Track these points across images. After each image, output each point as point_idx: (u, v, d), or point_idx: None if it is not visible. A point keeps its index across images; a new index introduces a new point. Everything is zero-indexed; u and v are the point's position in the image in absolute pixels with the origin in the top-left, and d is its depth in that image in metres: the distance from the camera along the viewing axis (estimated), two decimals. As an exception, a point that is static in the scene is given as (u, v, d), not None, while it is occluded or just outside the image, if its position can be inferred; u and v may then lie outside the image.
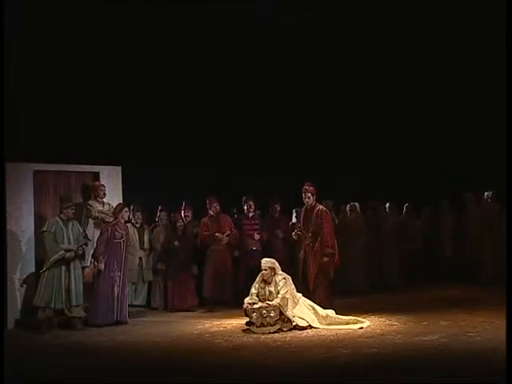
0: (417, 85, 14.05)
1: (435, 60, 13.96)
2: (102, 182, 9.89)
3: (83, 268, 9.19)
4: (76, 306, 8.74)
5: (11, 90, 8.21)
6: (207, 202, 10.49)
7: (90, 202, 9.63)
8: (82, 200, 9.85)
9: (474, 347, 6.62)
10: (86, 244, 9.25)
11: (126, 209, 9.44)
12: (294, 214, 11.48)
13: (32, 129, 10.88)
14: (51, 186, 9.85)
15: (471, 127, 13.56)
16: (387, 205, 12.62)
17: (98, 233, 9.50)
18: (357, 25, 13.69)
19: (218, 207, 10.39)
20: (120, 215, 9.24)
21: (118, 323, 8.94)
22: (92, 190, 9.75)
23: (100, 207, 9.65)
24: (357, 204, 12.08)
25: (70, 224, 8.87)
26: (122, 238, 9.19)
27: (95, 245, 9.18)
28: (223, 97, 13.45)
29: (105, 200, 9.76)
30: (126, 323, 9.00)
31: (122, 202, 9.70)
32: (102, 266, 8.94)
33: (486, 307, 8.87)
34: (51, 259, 8.62)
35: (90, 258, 9.39)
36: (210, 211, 10.43)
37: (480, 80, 13.20)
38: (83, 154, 10.35)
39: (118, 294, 9.01)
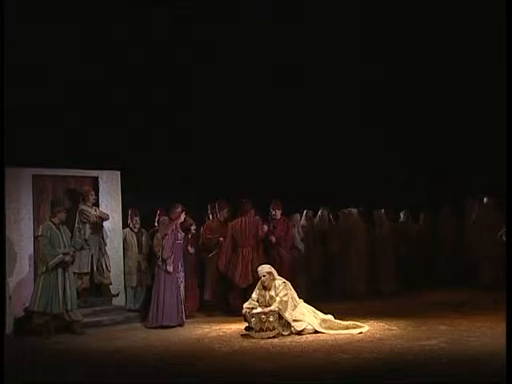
0: (417, 89, 14.07)
1: (435, 64, 13.98)
2: (89, 187, 9.87)
3: (75, 274, 9.19)
4: (71, 311, 8.71)
5: (11, 94, 8.20)
6: (216, 205, 10.47)
7: (83, 207, 9.60)
8: (69, 205, 9.79)
9: (473, 352, 6.61)
10: (83, 248, 9.24)
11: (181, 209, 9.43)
12: (304, 217, 11.53)
13: (31, 133, 10.87)
14: (50, 190, 9.84)
15: (471, 131, 13.58)
16: (384, 210, 12.61)
17: (94, 237, 9.53)
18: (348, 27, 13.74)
19: (228, 213, 10.38)
20: (177, 217, 9.30)
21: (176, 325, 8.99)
22: (83, 195, 9.72)
23: (93, 211, 9.66)
24: (355, 209, 12.08)
25: (62, 228, 8.85)
26: (182, 239, 9.34)
27: (162, 248, 9.13)
28: (223, 100, 13.46)
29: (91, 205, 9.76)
30: (182, 325, 9.04)
31: (180, 204, 9.48)
32: (171, 268, 9.04)
33: (485, 312, 8.86)
34: (50, 263, 8.56)
35: (89, 263, 9.42)
36: (219, 215, 10.41)
37: (481, 85, 13.21)
38: (82, 159, 10.34)
39: (181, 295, 9.13)
